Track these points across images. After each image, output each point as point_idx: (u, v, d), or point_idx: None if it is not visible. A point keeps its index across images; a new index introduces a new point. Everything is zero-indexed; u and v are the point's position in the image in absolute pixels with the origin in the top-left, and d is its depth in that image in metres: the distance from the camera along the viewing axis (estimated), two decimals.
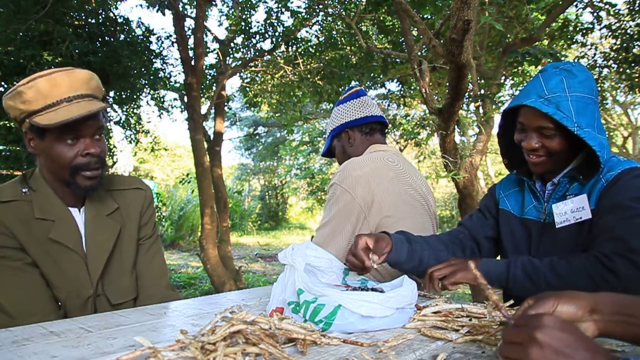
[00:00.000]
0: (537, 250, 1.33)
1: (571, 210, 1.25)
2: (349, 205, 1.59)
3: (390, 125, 7.57)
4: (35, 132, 1.23)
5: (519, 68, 5.81)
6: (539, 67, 4.40)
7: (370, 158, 1.69)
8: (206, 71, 7.41)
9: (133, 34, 6.01)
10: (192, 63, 6.16)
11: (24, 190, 1.27)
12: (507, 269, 1.22)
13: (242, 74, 8.23)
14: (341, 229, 1.59)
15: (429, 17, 4.80)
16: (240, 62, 7.58)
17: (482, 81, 5.06)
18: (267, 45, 7.37)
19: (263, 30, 6.99)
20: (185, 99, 6.62)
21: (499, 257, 1.49)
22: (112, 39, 5.62)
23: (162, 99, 7.59)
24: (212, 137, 7.31)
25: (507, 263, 1.23)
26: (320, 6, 6.06)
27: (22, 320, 1.13)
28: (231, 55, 7.53)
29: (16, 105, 1.21)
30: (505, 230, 1.44)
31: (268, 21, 6.87)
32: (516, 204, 1.44)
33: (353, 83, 6.91)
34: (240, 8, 6.97)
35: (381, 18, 5.82)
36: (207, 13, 6.82)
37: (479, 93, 4.44)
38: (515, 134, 1.33)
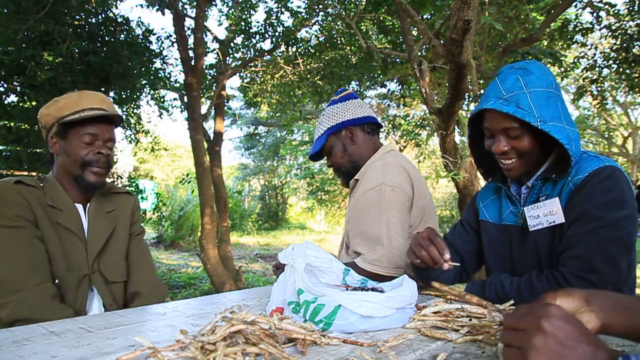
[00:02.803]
0: (519, 255, 1.31)
1: (543, 213, 1.22)
2: (403, 202, 1.59)
3: (390, 125, 7.56)
4: (60, 135, 1.51)
5: None
6: None
7: (396, 156, 1.70)
8: (206, 71, 7.40)
9: (133, 33, 6.00)
10: (192, 63, 6.15)
11: (40, 183, 1.52)
12: (482, 292, 1.24)
13: (242, 74, 8.22)
14: (401, 228, 1.56)
15: (429, 17, 4.81)
16: (240, 62, 7.57)
17: (482, 81, 5.06)
18: (267, 45, 7.38)
19: (263, 30, 6.98)
20: (185, 99, 6.62)
21: (483, 267, 1.49)
22: (112, 39, 5.60)
23: (162, 99, 7.57)
24: (212, 137, 7.30)
25: (482, 286, 1.25)
26: (320, 6, 6.06)
27: (23, 284, 1.33)
28: (231, 55, 7.52)
29: (50, 112, 1.52)
30: (486, 241, 1.42)
31: (268, 21, 6.87)
32: (494, 211, 1.41)
33: (353, 83, 6.92)
34: (240, 8, 6.97)
35: (381, 18, 5.82)
36: (207, 13, 6.82)
37: (479, 93, 4.44)
38: (485, 141, 1.30)
